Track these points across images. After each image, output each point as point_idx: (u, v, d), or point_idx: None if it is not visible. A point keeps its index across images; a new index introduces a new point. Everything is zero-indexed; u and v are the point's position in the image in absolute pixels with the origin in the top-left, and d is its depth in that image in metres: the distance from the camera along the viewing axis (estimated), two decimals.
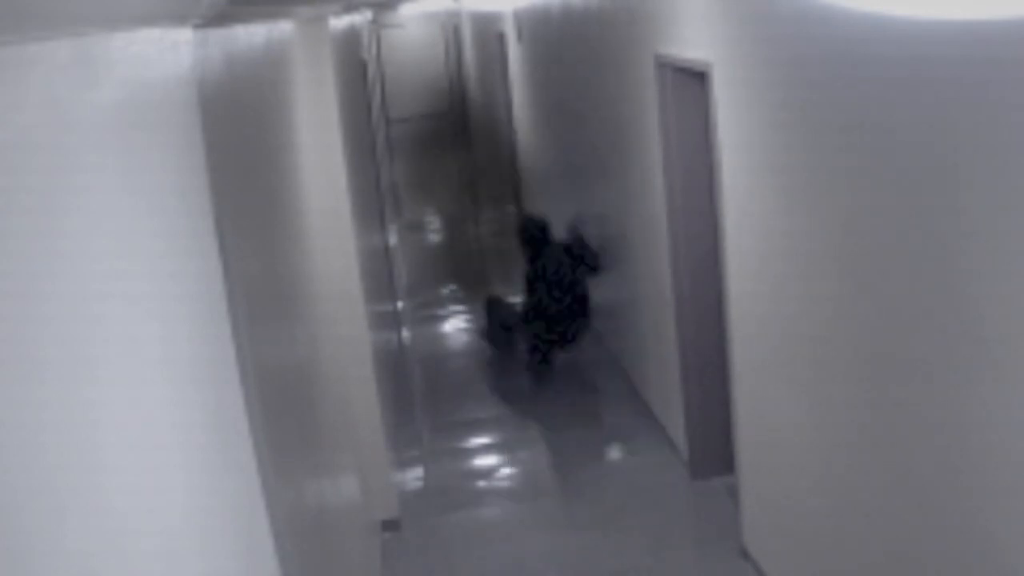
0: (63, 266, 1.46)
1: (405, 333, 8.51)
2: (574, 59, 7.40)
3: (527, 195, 11.31)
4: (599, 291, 7.62)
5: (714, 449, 5.37)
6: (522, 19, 9.92)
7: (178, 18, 1.66)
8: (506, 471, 6.00)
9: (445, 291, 9.62)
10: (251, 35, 2.95)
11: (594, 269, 7.33)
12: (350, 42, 6.71)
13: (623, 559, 4.88)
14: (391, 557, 5.10)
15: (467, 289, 9.69)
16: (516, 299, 8.20)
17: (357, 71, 7.20)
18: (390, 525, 5.33)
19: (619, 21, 5.88)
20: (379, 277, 6.53)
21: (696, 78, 4.92)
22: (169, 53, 1.71)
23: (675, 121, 5.07)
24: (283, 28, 4.02)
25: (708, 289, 5.16)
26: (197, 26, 1.89)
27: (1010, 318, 2.36)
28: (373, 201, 6.97)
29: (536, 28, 9.07)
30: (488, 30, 13.66)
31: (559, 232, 8.22)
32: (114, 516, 1.54)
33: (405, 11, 19.72)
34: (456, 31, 19.74)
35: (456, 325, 8.63)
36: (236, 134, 2.42)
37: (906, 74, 2.71)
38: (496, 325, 7.77)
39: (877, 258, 3.01)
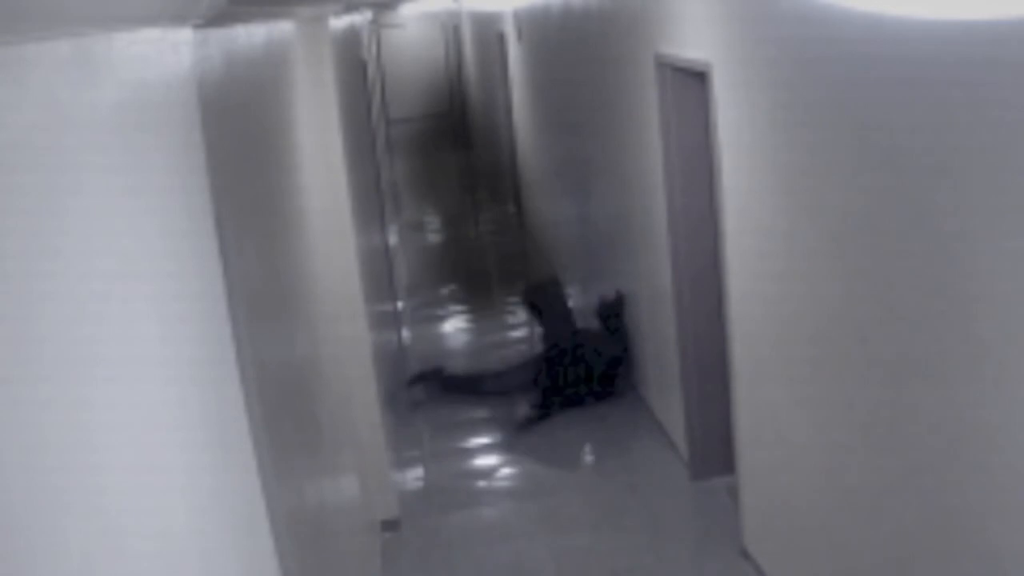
0: (63, 266, 1.46)
1: (405, 333, 8.51)
2: (574, 59, 7.40)
3: (527, 195, 11.31)
4: (599, 290, 7.61)
5: (714, 449, 5.37)
6: (522, 19, 9.91)
7: (178, 18, 1.66)
8: (506, 471, 6.00)
9: (445, 291, 9.62)
10: (251, 35, 2.95)
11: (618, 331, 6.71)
12: (350, 42, 6.71)
13: (623, 559, 4.88)
14: (391, 557, 5.10)
15: (467, 289, 9.69)
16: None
17: (357, 71, 7.20)
18: (390, 525, 5.33)
19: (619, 21, 5.88)
20: (379, 277, 6.53)
21: (696, 78, 4.92)
22: (169, 53, 1.71)
23: (675, 121, 5.07)
24: (283, 28, 4.02)
25: (708, 289, 5.16)
26: (197, 26, 1.89)
27: (1010, 318, 2.36)
28: (373, 201, 6.97)
29: (536, 28, 9.07)
30: (488, 30, 13.66)
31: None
32: (114, 516, 1.54)
33: (405, 11, 19.72)
34: (456, 31, 19.74)
35: (456, 325, 8.63)
36: (236, 134, 2.42)
37: (906, 74, 2.71)
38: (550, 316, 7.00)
39: (877, 258, 3.01)
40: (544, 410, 6.63)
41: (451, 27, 20.09)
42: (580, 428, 6.47)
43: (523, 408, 6.74)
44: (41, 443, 1.44)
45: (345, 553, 3.56)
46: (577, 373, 6.63)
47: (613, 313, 6.72)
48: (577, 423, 6.55)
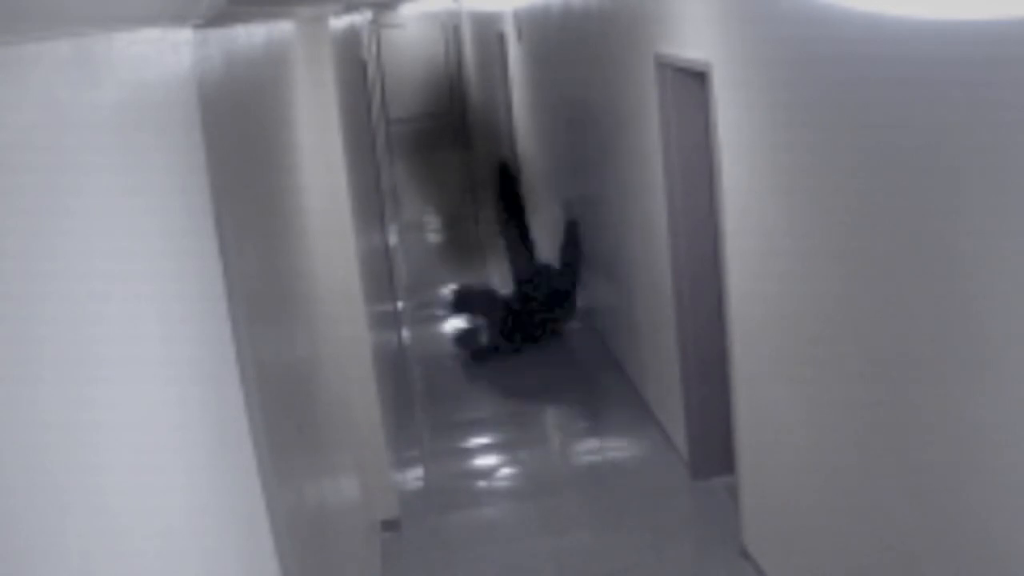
0: (63, 266, 1.46)
1: (405, 333, 8.51)
2: (574, 59, 7.40)
3: (527, 194, 11.31)
4: (599, 291, 7.62)
5: (714, 449, 5.37)
6: (522, 19, 9.92)
7: (178, 18, 1.66)
8: (506, 471, 6.00)
9: (445, 291, 9.62)
10: (251, 35, 2.95)
11: (573, 272, 7.88)
12: (350, 42, 6.71)
13: (623, 559, 4.88)
14: (391, 557, 5.10)
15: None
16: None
17: (357, 71, 7.20)
18: (390, 525, 5.33)
19: (619, 21, 5.88)
20: (379, 277, 6.53)
21: (696, 78, 4.92)
22: (169, 53, 1.71)
23: (675, 121, 5.07)
24: (283, 28, 4.02)
25: (708, 289, 5.16)
26: (197, 26, 1.89)
27: (1011, 318, 2.36)
28: (373, 201, 6.97)
29: (536, 28, 9.07)
30: (488, 30, 13.66)
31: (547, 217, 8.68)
32: (114, 516, 1.54)
33: (405, 11, 19.72)
34: (456, 31, 19.74)
35: (456, 325, 8.63)
36: (236, 134, 2.42)
37: (906, 74, 2.71)
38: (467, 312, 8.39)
39: (877, 258, 3.01)
40: (504, 344, 7.74)
41: (451, 27, 20.09)
42: (580, 428, 6.48)
43: (483, 338, 7.95)
44: (41, 443, 1.44)
45: (345, 553, 3.56)
46: (532, 308, 7.74)
47: (570, 241, 7.88)
48: (576, 423, 6.56)
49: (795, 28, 3.41)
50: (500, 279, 9.52)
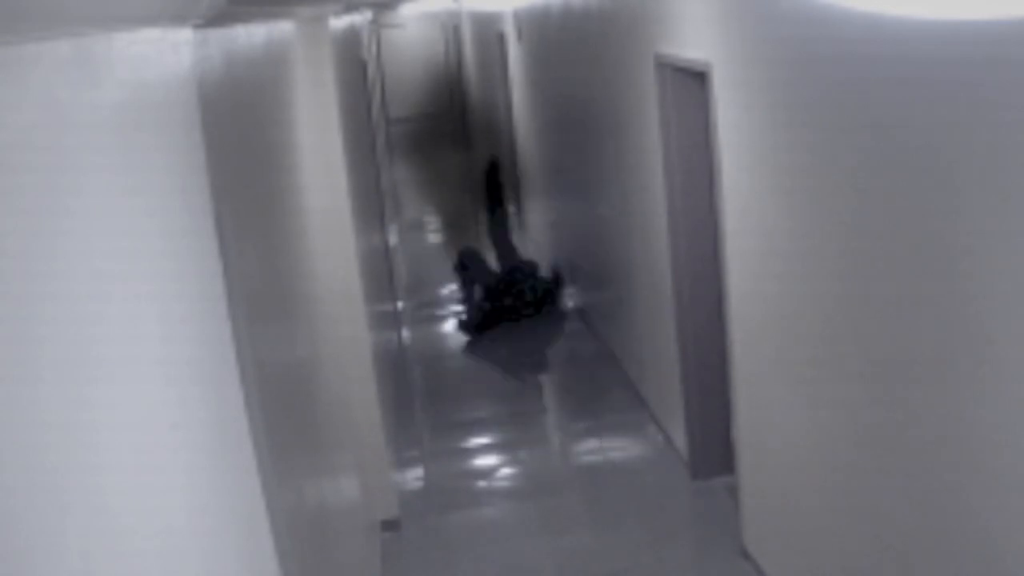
0: (63, 266, 1.46)
1: (405, 333, 8.51)
2: (574, 59, 7.40)
3: (527, 195, 11.31)
4: (598, 291, 7.62)
5: (714, 449, 5.37)
6: (522, 19, 9.91)
7: (178, 18, 1.66)
8: (506, 471, 6.00)
9: (445, 291, 9.63)
10: (251, 35, 2.95)
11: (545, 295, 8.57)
12: (350, 42, 6.71)
13: (623, 559, 4.88)
14: (391, 557, 5.10)
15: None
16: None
17: (357, 71, 7.21)
18: (390, 525, 5.33)
19: (619, 21, 5.88)
20: (379, 277, 6.53)
21: (696, 78, 4.92)
22: (169, 53, 1.71)
23: (675, 121, 5.07)
24: (283, 28, 4.02)
25: (708, 289, 5.16)
26: (197, 26, 1.89)
27: (1011, 318, 2.36)
28: (373, 201, 6.97)
29: (536, 28, 9.07)
30: (488, 30, 13.66)
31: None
32: (114, 516, 1.54)
33: (405, 11, 19.73)
34: (456, 31, 19.74)
35: (456, 325, 8.63)
36: (236, 134, 2.42)
37: (906, 74, 2.71)
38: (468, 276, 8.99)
39: (877, 258, 3.01)
40: (488, 319, 8.29)
41: (451, 27, 20.09)
42: (580, 427, 6.48)
43: (472, 315, 8.40)
44: (41, 443, 1.45)
45: (345, 553, 3.56)
46: (517, 293, 8.42)
47: (556, 282, 8.72)
48: (576, 423, 6.56)
49: (795, 28, 3.41)
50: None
